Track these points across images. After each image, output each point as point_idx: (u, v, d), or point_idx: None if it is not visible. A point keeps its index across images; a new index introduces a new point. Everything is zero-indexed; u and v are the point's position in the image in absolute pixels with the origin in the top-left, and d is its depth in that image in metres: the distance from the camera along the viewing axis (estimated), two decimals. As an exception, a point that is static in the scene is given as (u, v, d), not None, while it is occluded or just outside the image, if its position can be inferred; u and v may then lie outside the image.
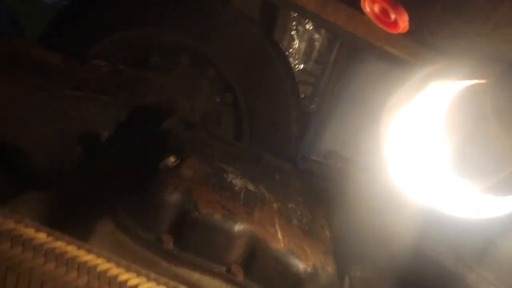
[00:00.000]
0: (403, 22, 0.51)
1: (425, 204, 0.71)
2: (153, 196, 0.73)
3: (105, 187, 1.03)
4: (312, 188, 1.05)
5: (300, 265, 0.70)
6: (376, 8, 0.57)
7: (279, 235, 0.75)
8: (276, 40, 1.88)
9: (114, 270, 0.44)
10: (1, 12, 1.88)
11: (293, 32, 2.24)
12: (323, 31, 2.20)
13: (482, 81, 0.61)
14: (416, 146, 0.67)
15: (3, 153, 1.02)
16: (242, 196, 0.83)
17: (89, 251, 0.46)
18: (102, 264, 0.44)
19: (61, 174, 1.09)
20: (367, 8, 0.59)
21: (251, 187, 0.88)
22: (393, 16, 0.53)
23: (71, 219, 0.92)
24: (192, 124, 1.25)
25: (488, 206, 0.63)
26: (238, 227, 0.72)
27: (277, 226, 0.77)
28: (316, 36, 2.28)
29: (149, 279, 0.46)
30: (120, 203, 0.78)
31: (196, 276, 0.71)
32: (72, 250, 0.44)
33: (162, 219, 0.73)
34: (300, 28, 2.25)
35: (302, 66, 2.30)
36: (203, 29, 1.64)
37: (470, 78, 0.64)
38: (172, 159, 0.83)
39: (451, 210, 0.68)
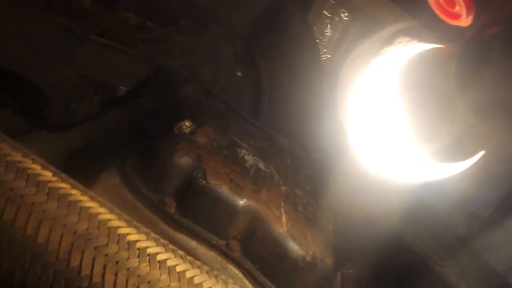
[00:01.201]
0: (468, 16, 0.48)
1: (379, 173, 0.70)
2: (163, 157, 0.72)
3: (116, 141, 1.01)
4: (321, 179, 1.03)
5: (300, 252, 0.68)
6: None
7: (283, 218, 0.73)
8: (309, 24, 1.83)
9: (115, 222, 0.42)
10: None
11: (327, 20, 2.17)
12: (358, 23, 2.14)
13: (447, 45, 0.60)
14: (374, 113, 0.65)
15: (21, 89, 1.00)
16: (251, 173, 0.81)
17: (92, 199, 0.44)
18: (104, 214, 0.43)
19: (73, 122, 1.08)
20: None
21: (261, 166, 0.86)
22: (458, 8, 0.50)
23: (78, 166, 0.92)
24: (211, 94, 1.22)
25: (435, 171, 0.63)
26: (244, 203, 0.70)
27: (282, 210, 0.75)
28: (351, 28, 2.21)
29: (148, 237, 0.44)
30: (129, 158, 0.76)
31: (193, 244, 0.69)
32: (76, 194, 0.43)
33: (168, 182, 0.71)
34: (336, 17, 2.18)
35: (329, 56, 2.24)
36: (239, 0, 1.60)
37: (428, 41, 0.63)
38: (187, 123, 0.81)
39: (402, 176, 0.68)
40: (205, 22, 1.65)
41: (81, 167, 0.92)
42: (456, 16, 0.49)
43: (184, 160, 0.71)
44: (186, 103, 1.09)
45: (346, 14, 2.13)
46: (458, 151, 0.58)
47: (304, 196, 0.88)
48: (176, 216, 0.70)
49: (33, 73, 0.93)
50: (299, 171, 0.98)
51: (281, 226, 0.71)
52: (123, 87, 1.24)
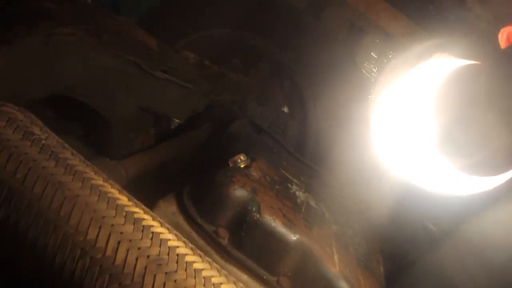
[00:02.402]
0: None
1: (405, 179, 0.68)
2: (219, 189, 0.74)
3: (171, 170, 1.06)
4: (370, 219, 1.01)
5: (352, 295, 0.66)
6: None
7: (335, 258, 0.72)
8: (358, 65, 1.86)
9: (182, 249, 0.44)
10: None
11: (374, 61, 2.19)
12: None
13: (479, 62, 0.58)
14: (403, 121, 0.64)
15: (87, 118, 1.09)
16: (303, 210, 0.81)
17: (161, 224, 0.47)
18: (173, 241, 0.45)
19: (131, 151, 1.14)
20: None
21: (312, 202, 0.86)
22: None
23: (136, 193, 0.96)
24: (261, 129, 1.26)
25: (464, 184, 0.59)
26: (296, 239, 0.70)
27: (334, 249, 0.74)
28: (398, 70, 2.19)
29: (212, 266, 0.45)
30: (186, 188, 0.79)
31: (243, 277, 0.69)
32: (148, 218, 0.46)
33: (222, 213, 0.73)
34: (383, 59, 2.20)
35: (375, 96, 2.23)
36: (290, 39, 1.66)
37: (467, 58, 0.61)
38: (242, 157, 0.84)
39: (429, 186, 0.64)
40: (256, 61, 1.72)
41: (140, 193, 0.97)
42: None
43: (239, 193, 0.73)
44: (238, 137, 1.13)
45: (393, 56, 2.14)
46: (492, 166, 0.56)
47: (355, 236, 0.86)
48: (228, 248, 0.71)
49: (101, 104, 1.01)
50: (348, 210, 0.97)
51: (334, 265, 0.70)
52: (177, 120, 1.31)
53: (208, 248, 0.71)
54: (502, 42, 0.53)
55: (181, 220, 0.74)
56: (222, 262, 0.70)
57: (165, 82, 1.03)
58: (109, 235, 0.41)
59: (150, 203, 0.83)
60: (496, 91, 0.50)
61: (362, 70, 2.17)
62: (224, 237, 0.72)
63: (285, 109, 1.84)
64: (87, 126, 1.14)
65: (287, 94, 1.82)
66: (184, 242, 0.47)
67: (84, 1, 1.13)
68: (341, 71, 1.69)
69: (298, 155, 1.18)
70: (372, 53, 2.13)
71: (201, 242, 0.72)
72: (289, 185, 0.87)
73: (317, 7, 1.79)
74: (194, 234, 0.72)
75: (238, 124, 1.21)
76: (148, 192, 1.02)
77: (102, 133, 1.11)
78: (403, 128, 0.63)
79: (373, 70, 2.18)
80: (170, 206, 0.76)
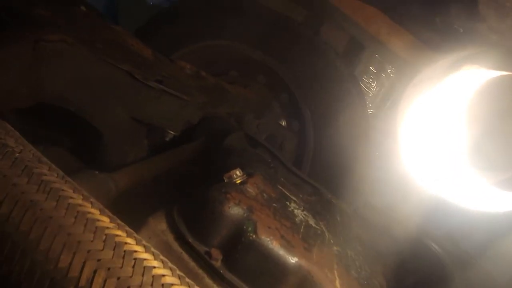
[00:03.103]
0: None
1: (434, 192, 0.64)
2: (213, 206, 0.69)
3: (163, 183, 1.01)
4: (372, 239, 0.96)
5: (355, 324, 0.61)
6: None
7: (337, 283, 0.67)
8: (358, 80, 1.83)
9: (169, 278, 0.39)
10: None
11: (373, 76, 2.17)
12: (404, 80, 2.12)
13: (510, 73, 0.55)
14: (432, 133, 0.60)
15: (78, 129, 1.04)
16: (301, 229, 0.76)
17: (146, 249, 0.42)
18: (158, 269, 0.40)
19: (122, 162, 1.09)
20: None
21: (311, 221, 0.81)
22: None
23: (126, 206, 0.91)
24: (258, 142, 1.22)
25: (497, 200, 0.55)
26: (295, 262, 0.65)
27: (335, 272, 0.69)
28: (397, 85, 2.18)
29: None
30: (177, 204, 0.74)
31: (237, 303, 0.64)
32: (130, 242, 0.41)
33: (216, 232, 0.68)
34: (382, 73, 2.18)
35: (374, 111, 2.21)
36: (288, 53, 1.64)
37: (498, 69, 0.57)
38: (238, 172, 0.79)
39: (460, 201, 0.60)
40: (254, 74, 1.69)
41: (129, 207, 0.92)
42: None
43: (234, 211, 0.68)
44: (234, 151, 1.08)
45: (392, 70, 2.12)
46: None
47: (357, 258, 0.81)
48: (221, 271, 0.66)
49: (91, 114, 0.96)
50: (349, 229, 0.92)
51: (335, 292, 0.64)
52: (171, 132, 1.27)
53: (200, 271, 0.66)
54: None
55: (171, 239, 0.69)
56: (215, 286, 0.65)
57: (159, 92, 0.98)
58: (84, 262, 0.36)
59: (140, 218, 0.79)
60: None
61: (361, 84, 2.15)
62: (217, 259, 0.67)
63: (283, 123, 1.80)
64: (77, 136, 1.10)
65: (285, 107, 1.79)
66: (170, 269, 0.42)
67: (78, 9, 1.09)
68: (339, 85, 1.66)
69: (294, 169, 1.14)
70: (371, 68, 2.11)
71: (192, 264, 0.67)
72: (287, 202, 0.82)
73: (316, 21, 1.77)
74: (184, 255, 0.67)
75: (234, 137, 1.17)
76: (138, 206, 0.97)
77: (93, 144, 1.07)
78: (432, 142, 0.59)
79: (372, 84, 2.16)
80: (160, 224, 0.71)
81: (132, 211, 0.95)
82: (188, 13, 1.72)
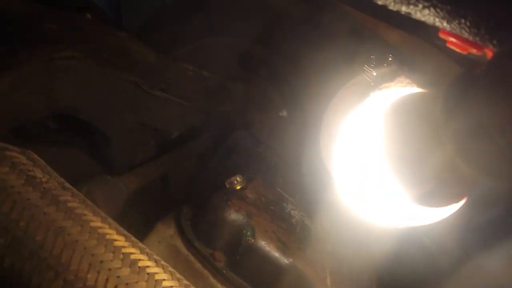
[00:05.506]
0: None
1: (364, 216, 0.66)
2: (215, 213, 0.76)
3: (170, 184, 1.08)
4: (366, 237, 1.03)
5: (343, 318, 0.69)
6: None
7: (328, 281, 0.74)
8: (358, 68, 1.86)
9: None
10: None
11: (373, 63, 2.19)
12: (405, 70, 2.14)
13: (431, 89, 0.56)
14: (360, 153, 0.61)
15: (88, 136, 1.11)
16: (297, 230, 0.83)
17: (157, 263, 0.49)
18: (168, 281, 0.47)
19: (131, 165, 1.17)
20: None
21: (307, 222, 0.88)
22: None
23: (135, 210, 0.99)
24: (259, 141, 1.28)
25: (417, 215, 0.58)
26: (290, 262, 0.73)
27: (327, 271, 0.76)
28: (399, 74, 2.20)
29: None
30: (184, 209, 0.82)
31: (239, 300, 0.72)
32: (143, 259, 0.48)
33: (219, 236, 0.76)
34: (384, 63, 2.20)
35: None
36: (288, 46, 1.67)
37: (419, 85, 0.59)
38: (238, 178, 0.86)
39: (385, 220, 0.63)
40: (255, 68, 1.74)
41: (139, 211, 1.00)
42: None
43: (235, 217, 0.76)
44: (236, 152, 1.15)
45: (393, 60, 2.14)
46: (442, 196, 0.56)
47: (349, 255, 0.88)
48: (224, 271, 0.74)
49: (101, 122, 1.03)
50: (344, 226, 0.99)
51: (326, 288, 0.72)
52: (176, 132, 1.33)
53: (205, 271, 0.74)
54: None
55: (178, 243, 0.77)
56: (219, 285, 0.73)
57: (163, 100, 1.05)
58: (107, 279, 0.43)
59: (150, 218, 0.86)
60: (452, 115, 0.48)
61: (362, 73, 2.17)
62: (221, 260, 0.75)
63: (284, 113, 1.85)
64: (89, 144, 1.17)
65: (286, 99, 1.84)
66: (178, 279, 0.49)
67: (84, 17, 1.14)
68: (339, 74, 1.70)
69: (295, 167, 1.20)
70: (372, 56, 2.13)
71: (198, 265, 0.74)
72: (285, 204, 0.89)
73: (316, 14, 1.79)
74: (191, 257, 0.75)
75: (236, 136, 1.23)
76: (148, 206, 1.05)
77: (104, 149, 1.14)
78: (358, 157, 0.60)
79: (373, 73, 2.19)
80: (168, 229, 0.78)
81: (143, 211, 1.03)
82: (191, 10, 1.74)
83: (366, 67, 1.99)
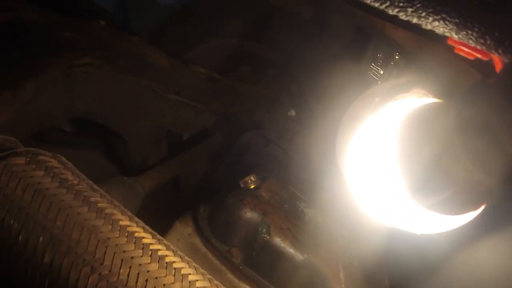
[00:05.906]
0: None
1: (381, 222, 0.67)
2: (231, 212, 0.79)
3: (189, 181, 1.12)
4: (376, 233, 1.05)
5: (357, 311, 0.72)
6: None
7: (341, 275, 0.77)
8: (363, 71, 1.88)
9: (202, 282, 0.50)
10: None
11: (381, 63, 2.20)
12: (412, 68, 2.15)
13: (445, 100, 0.57)
14: (373, 162, 0.63)
15: (106, 139, 1.15)
16: (311, 227, 0.86)
17: (182, 259, 0.52)
18: (193, 275, 0.50)
19: (145, 165, 1.20)
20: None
21: (320, 219, 0.91)
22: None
23: (153, 209, 1.02)
24: (270, 141, 1.31)
25: (432, 223, 0.60)
26: (304, 258, 0.76)
27: (340, 266, 0.79)
28: (406, 73, 2.22)
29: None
30: (201, 209, 0.85)
31: (256, 295, 0.75)
32: (169, 255, 0.51)
33: (235, 234, 0.79)
34: (391, 61, 2.21)
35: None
36: (295, 46, 1.69)
37: (434, 96, 0.60)
38: (252, 178, 0.89)
39: (403, 226, 0.64)
40: (263, 68, 1.76)
41: (155, 210, 1.03)
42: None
43: (250, 215, 0.79)
44: (247, 153, 1.18)
45: (401, 58, 2.15)
46: (460, 203, 0.56)
47: (360, 249, 0.91)
48: (241, 267, 0.77)
49: (118, 125, 1.07)
50: (354, 222, 1.02)
51: (339, 283, 0.75)
52: (188, 133, 1.37)
53: (223, 267, 0.77)
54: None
55: (196, 241, 0.80)
56: (236, 281, 0.76)
57: (177, 103, 1.08)
58: (138, 274, 0.47)
59: (167, 215, 0.89)
60: (466, 125, 0.49)
61: (369, 72, 2.19)
62: (237, 257, 0.78)
63: (292, 112, 1.87)
64: (105, 142, 1.21)
65: (294, 98, 1.86)
66: (202, 274, 0.52)
67: (98, 24, 1.18)
68: (345, 77, 1.72)
69: (305, 166, 1.23)
70: (378, 55, 2.14)
71: (215, 262, 0.78)
72: (298, 202, 0.92)
73: (323, 14, 1.81)
74: (209, 254, 0.78)
75: (246, 136, 1.26)
76: (164, 204, 1.08)
77: (120, 150, 1.18)
78: (372, 167, 0.62)
79: (380, 72, 2.20)
80: (186, 228, 0.82)
81: (159, 209, 1.06)
82: (199, 13, 1.77)
83: (373, 66, 2.01)
